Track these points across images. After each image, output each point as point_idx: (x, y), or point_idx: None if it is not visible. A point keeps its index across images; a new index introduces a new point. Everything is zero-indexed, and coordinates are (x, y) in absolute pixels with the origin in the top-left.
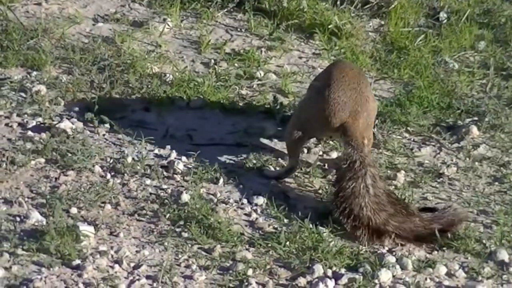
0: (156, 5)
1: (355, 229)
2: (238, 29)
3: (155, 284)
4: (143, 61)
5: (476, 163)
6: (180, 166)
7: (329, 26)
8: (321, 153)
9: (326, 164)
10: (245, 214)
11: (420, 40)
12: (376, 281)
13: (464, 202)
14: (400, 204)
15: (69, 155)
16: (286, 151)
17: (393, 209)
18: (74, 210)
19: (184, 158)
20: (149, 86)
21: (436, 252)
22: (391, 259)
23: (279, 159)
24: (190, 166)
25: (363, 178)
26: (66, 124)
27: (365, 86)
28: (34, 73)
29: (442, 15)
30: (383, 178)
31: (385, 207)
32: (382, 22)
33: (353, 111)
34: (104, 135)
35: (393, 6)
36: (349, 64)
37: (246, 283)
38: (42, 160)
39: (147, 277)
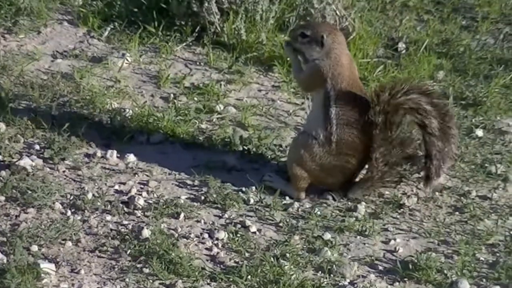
0: (115, 40)
1: None
2: (197, 63)
3: None
4: (102, 96)
5: (437, 193)
6: (140, 202)
7: (288, 58)
8: None
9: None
10: (206, 249)
11: (379, 71)
12: None
13: (425, 232)
14: None
15: (29, 192)
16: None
17: None
18: (34, 248)
19: (144, 194)
20: (109, 122)
21: (397, 283)
22: None
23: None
24: (151, 201)
25: None
26: (26, 162)
27: None
28: None
29: (401, 46)
30: None
31: None
32: None
33: None
34: (64, 171)
35: (352, 37)
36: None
37: None
38: (2, 198)
39: None
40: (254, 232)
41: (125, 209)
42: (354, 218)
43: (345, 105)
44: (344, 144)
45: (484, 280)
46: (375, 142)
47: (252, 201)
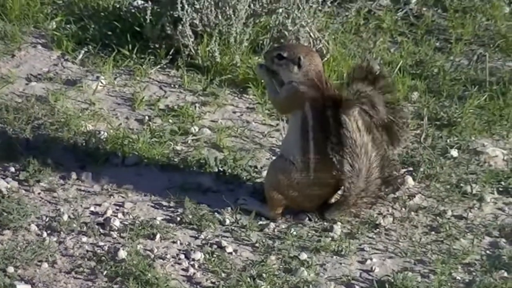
0: (89, 63)
1: None
2: (172, 85)
3: None
4: (77, 119)
5: (412, 213)
6: (116, 223)
7: (263, 80)
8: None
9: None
10: (183, 269)
11: None
12: None
13: (401, 252)
14: None
15: (5, 214)
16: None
17: None
18: (11, 269)
19: (120, 215)
20: (84, 144)
21: None
22: None
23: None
24: (127, 223)
25: None
26: (1, 184)
27: None
28: None
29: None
30: None
31: None
32: None
33: None
34: (39, 194)
35: (326, 59)
36: None
37: None
38: None
39: None
40: (230, 253)
41: (101, 230)
42: (330, 238)
43: (323, 129)
44: (322, 169)
45: None
46: (344, 181)
47: (228, 221)
